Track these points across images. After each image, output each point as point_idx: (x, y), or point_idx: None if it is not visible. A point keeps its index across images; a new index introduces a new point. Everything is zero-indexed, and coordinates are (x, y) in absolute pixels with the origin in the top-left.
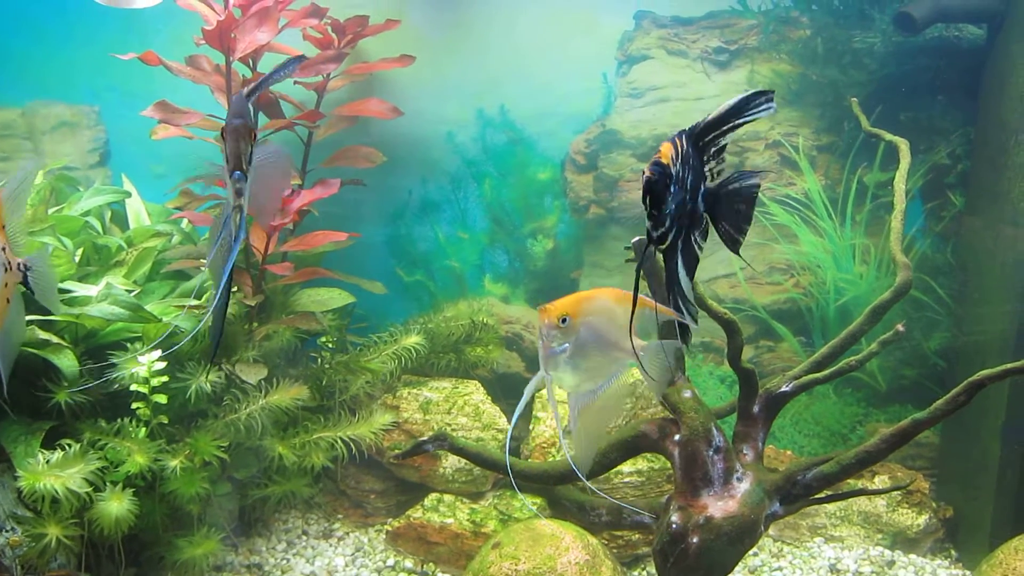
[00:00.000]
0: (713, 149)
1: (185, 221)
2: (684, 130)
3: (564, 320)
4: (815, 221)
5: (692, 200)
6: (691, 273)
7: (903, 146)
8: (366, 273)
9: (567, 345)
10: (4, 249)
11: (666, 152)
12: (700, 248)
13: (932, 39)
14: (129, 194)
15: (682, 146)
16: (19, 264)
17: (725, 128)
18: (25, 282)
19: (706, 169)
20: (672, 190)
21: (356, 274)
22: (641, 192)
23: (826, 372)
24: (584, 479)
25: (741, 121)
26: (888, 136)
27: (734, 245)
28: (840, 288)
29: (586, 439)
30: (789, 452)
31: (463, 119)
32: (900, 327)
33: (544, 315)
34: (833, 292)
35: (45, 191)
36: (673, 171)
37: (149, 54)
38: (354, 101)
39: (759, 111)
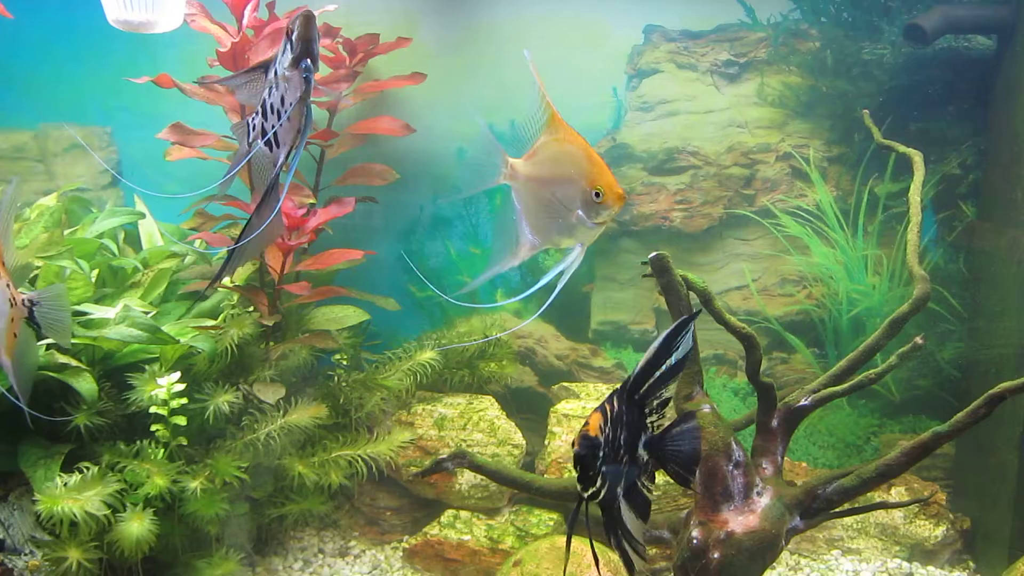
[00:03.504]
0: (656, 402)
1: (199, 241)
2: (616, 390)
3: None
4: (827, 232)
5: (630, 452)
6: (644, 516)
7: (917, 158)
8: (378, 289)
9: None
10: (8, 286)
11: (594, 424)
12: (649, 491)
13: (942, 50)
14: (143, 215)
15: (613, 409)
16: (24, 300)
17: (657, 375)
18: (31, 317)
19: (648, 421)
20: (601, 455)
21: (368, 291)
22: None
23: (845, 386)
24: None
25: (673, 362)
26: (901, 148)
27: (685, 483)
28: (853, 299)
29: None
30: (804, 464)
31: (474, 135)
32: (920, 339)
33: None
34: (846, 303)
35: (59, 213)
36: (601, 438)
37: (163, 77)
38: (366, 119)
39: (683, 340)
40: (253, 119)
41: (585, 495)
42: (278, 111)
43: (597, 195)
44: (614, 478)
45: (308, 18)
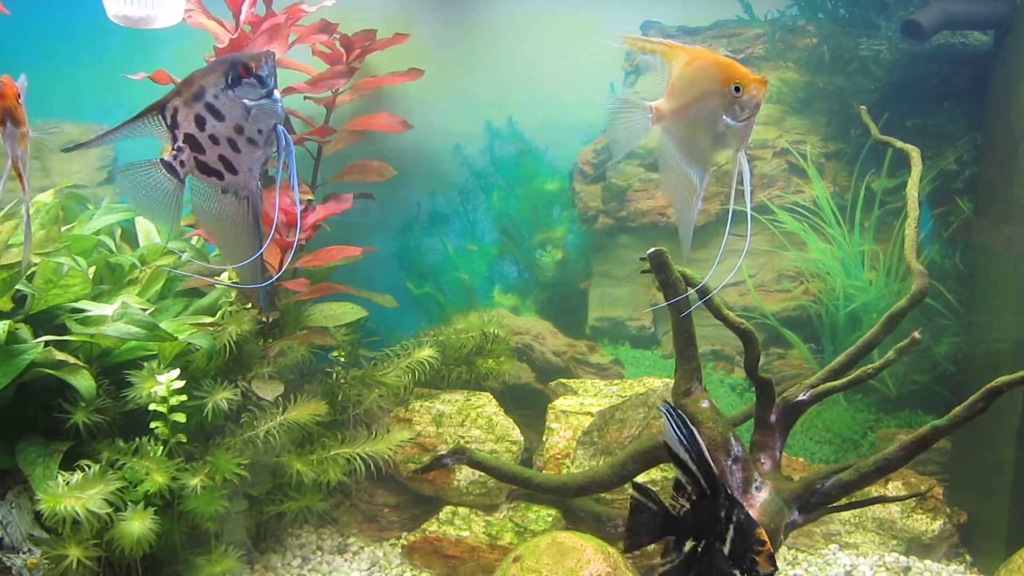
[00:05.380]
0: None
1: (196, 238)
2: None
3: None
4: (824, 228)
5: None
6: None
7: (914, 154)
8: (375, 286)
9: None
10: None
11: None
12: None
13: (938, 46)
14: None
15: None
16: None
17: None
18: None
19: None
20: None
21: (366, 287)
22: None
23: (843, 380)
24: None
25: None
26: (899, 144)
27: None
28: (849, 295)
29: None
30: (801, 459)
31: (471, 131)
32: (917, 334)
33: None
34: (843, 299)
35: (56, 210)
36: None
37: (160, 73)
38: (363, 115)
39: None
40: (178, 155)
41: None
42: (230, 140)
43: (737, 89)
44: None
45: (273, 56)
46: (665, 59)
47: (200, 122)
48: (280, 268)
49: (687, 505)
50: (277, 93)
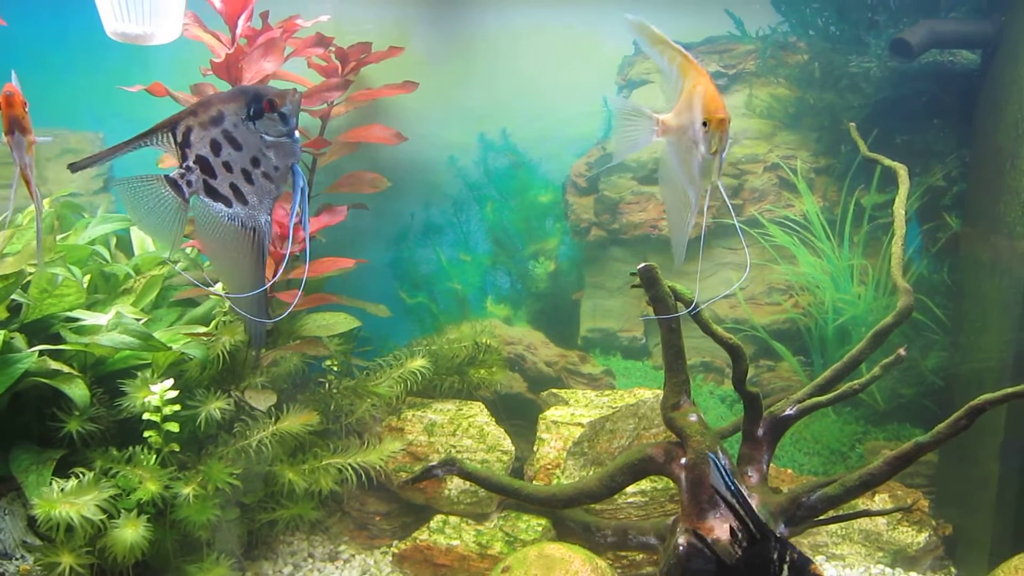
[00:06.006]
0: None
1: (191, 249)
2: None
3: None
4: (813, 242)
5: None
6: None
7: (902, 172)
8: (369, 296)
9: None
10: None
11: None
12: None
13: (927, 64)
14: None
15: None
16: None
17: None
18: None
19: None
20: None
21: (359, 297)
22: None
23: (829, 396)
24: None
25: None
26: (887, 161)
27: None
28: (839, 308)
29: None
30: (789, 471)
31: (465, 143)
32: (902, 351)
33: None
34: (832, 312)
35: (51, 219)
36: None
37: (156, 85)
38: (358, 127)
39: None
40: (187, 175)
41: None
42: (244, 171)
43: (704, 124)
44: None
45: (299, 96)
46: (680, 72)
47: (216, 147)
48: (273, 279)
49: (739, 552)
50: (298, 133)
